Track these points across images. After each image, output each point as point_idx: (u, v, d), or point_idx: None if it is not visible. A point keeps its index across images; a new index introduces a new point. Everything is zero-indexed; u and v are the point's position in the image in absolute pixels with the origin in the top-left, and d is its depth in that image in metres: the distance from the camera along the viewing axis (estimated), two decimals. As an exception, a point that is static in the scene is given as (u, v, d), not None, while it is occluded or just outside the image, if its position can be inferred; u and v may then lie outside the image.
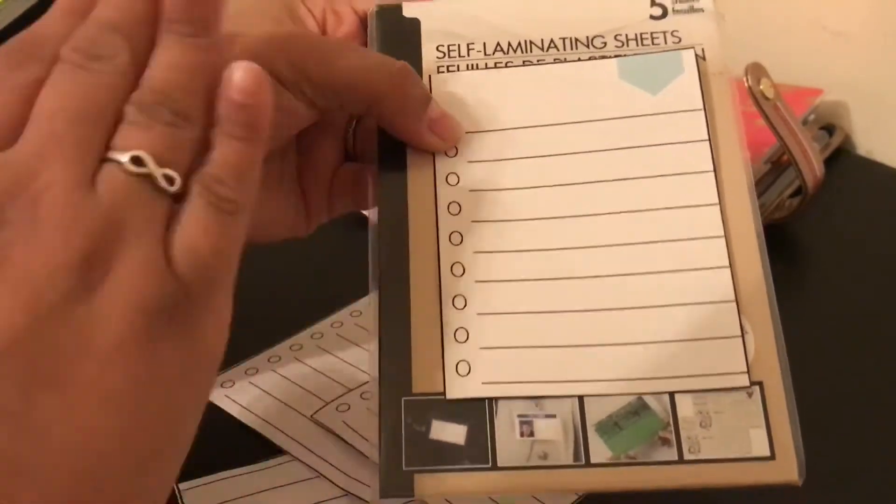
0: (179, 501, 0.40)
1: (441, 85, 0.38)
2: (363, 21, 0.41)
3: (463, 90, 0.37)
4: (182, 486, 0.41)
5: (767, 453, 0.32)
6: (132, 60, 0.27)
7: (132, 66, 0.27)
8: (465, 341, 0.34)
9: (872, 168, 0.58)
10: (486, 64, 0.38)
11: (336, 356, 0.48)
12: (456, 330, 0.34)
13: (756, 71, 0.47)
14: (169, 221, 0.26)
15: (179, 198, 0.27)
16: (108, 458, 0.24)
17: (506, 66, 0.38)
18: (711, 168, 0.35)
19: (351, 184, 0.40)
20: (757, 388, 0.33)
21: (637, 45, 0.38)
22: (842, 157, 0.58)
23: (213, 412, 0.45)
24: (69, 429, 0.24)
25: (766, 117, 0.47)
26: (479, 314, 0.34)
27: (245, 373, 0.47)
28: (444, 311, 0.34)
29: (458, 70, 0.38)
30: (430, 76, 0.38)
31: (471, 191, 0.36)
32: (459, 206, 0.36)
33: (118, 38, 0.27)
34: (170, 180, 0.26)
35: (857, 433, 0.45)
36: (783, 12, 0.61)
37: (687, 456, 0.32)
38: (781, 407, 0.33)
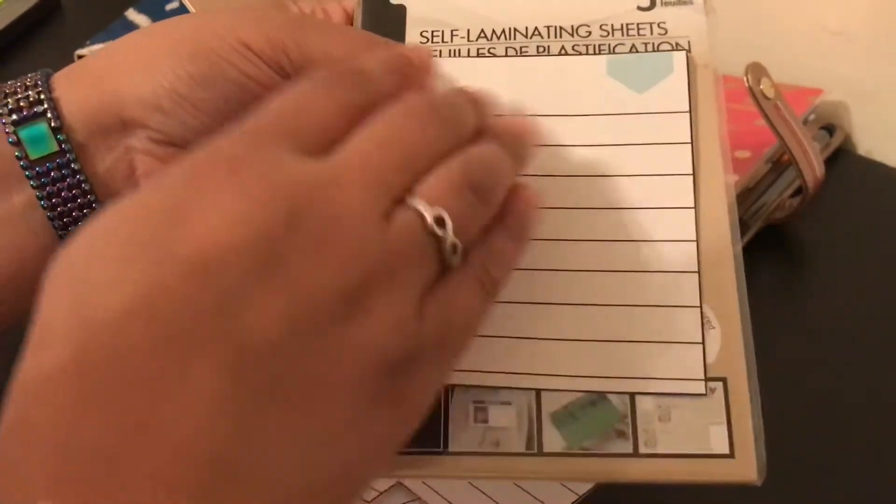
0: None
1: None
2: (352, 19, 0.41)
3: (447, 75, 0.37)
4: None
5: (726, 451, 0.31)
6: (470, 134, 0.29)
7: (467, 137, 0.29)
8: None
9: (872, 168, 0.58)
10: (468, 50, 0.38)
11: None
12: None
13: (756, 71, 0.47)
14: (432, 283, 0.27)
15: (445, 267, 0.27)
16: (304, 491, 0.24)
17: (489, 53, 0.38)
18: (690, 171, 0.35)
19: None
20: (720, 384, 0.32)
21: (623, 35, 0.38)
22: (842, 157, 0.58)
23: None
24: (286, 446, 0.23)
25: (767, 117, 0.47)
26: None
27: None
28: None
29: (441, 55, 0.38)
30: None
31: None
32: None
33: (472, 112, 0.30)
34: (454, 250, 0.27)
35: (845, 435, 0.44)
36: (783, 12, 0.61)
37: (642, 449, 0.32)
38: (744, 405, 0.32)
